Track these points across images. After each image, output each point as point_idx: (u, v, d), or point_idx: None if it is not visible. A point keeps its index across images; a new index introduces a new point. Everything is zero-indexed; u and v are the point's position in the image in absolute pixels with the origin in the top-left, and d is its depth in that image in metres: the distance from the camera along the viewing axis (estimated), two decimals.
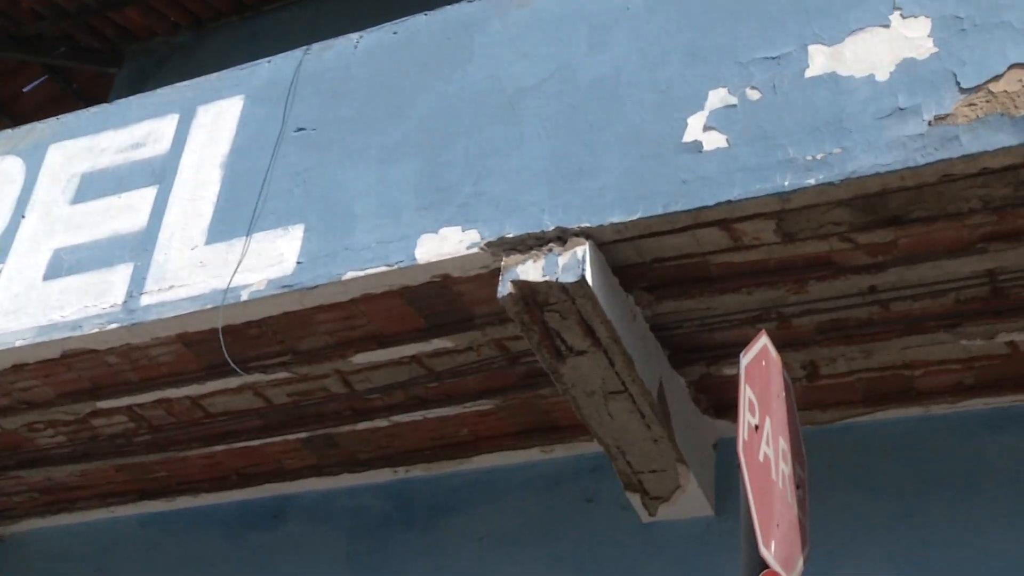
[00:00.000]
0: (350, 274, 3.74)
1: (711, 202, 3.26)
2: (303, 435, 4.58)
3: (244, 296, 3.89)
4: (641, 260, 3.56)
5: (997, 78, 2.99)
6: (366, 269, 3.72)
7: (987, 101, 2.99)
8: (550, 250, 3.44)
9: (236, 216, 4.10)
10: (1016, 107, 2.94)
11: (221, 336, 3.92)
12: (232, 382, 4.28)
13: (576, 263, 3.37)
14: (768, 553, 2.23)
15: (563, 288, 3.37)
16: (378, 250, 3.73)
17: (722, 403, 4.09)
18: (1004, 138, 2.93)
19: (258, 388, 4.34)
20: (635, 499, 4.02)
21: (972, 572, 3.62)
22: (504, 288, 3.44)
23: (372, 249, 3.74)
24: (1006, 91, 2.96)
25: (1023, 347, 3.69)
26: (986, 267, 3.42)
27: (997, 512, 3.68)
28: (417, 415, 4.43)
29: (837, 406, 4.02)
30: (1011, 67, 2.98)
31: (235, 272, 3.94)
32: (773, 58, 3.35)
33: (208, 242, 4.09)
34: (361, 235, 3.79)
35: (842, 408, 4.02)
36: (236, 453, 4.74)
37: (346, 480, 4.78)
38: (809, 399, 3.89)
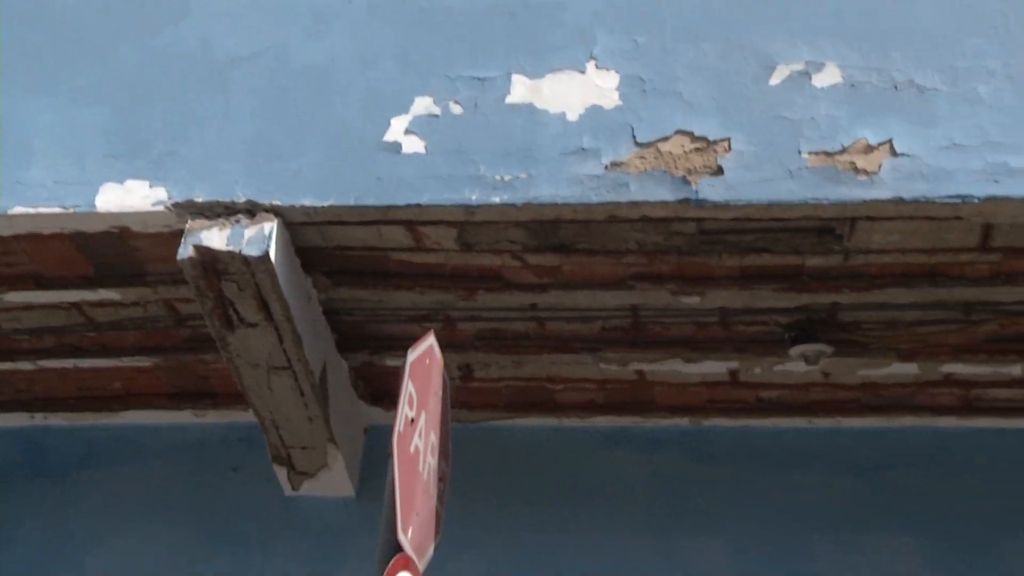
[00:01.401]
0: (18, 209, 3.56)
1: (401, 202, 3.39)
2: None
3: None
4: (325, 245, 3.65)
5: (665, 139, 3.33)
6: (38, 207, 3.55)
7: (655, 157, 3.33)
8: (238, 221, 3.45)
9: None
10: (676, 167, 3.31)
11: None
12: None
13: (262, 238, 3.41)
14: (405, 539, 2.40)
15: (245, 260, 3.39)
16: (55, 190, 3.57)
17: (379, 391, 4.28)
18: (664, 192, 3.29)
19: None
20: (281, 472, 4.11)
21: (580, 570, 4.03)
22: (185, 251, 3.41)
23: (48, 188, 3.57)
24: (671, 152, 3.32)
25: (648, 376, 4.15)
26: (631, 302, 3.81)
27: (612, 521, 4.13)
28: (67, 362, 4.27)
29: (485, 408, 4.33)
30: (676, 132, 3.34)
31: None
32: (479, 79, 3.53)
33: None
34: (37, 172, 3.60)
35: (489, 411, 4.34)
36: None
37: None
38: (461, 399, 4.16)
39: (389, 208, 3.42)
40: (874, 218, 3.26)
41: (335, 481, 4.13)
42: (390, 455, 2.45)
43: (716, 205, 3.26)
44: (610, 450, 4.32)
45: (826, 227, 3.36)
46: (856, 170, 3.18)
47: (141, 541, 4.27)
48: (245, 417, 4.23)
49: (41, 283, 3.87)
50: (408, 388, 2.58)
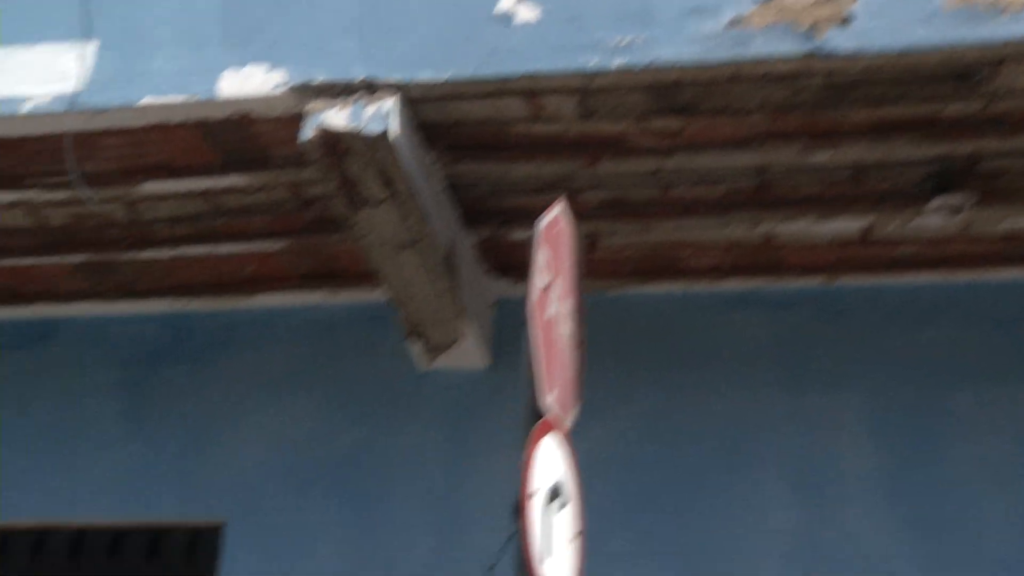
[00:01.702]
0: (146, 100, 3.63)
1: (517, 72, 3.37)
2: (80, 259, 4.47)
3: (25, 109, 3.70)
4: (445, 121, 3.64)
5: None
6: (164, 97, 3.62)
7: (778, 11, 3.22)
8: (357, 99, 3.47)
9: (21, 23, 3.86)
10: (800, 20, 3.18)
11: None
12: (6, 197, 4.11)
13: (382, 115, 3.42)
14: (549, 402, 2.45)
15: (367, 138, 3.41)
16: (178, 79, 3.63)
17: (505, 264, 4.30)
18: (788, 46, 3.18)
19: (35, 206, 4.18)
20: (415, 347, 4.21)
21: (710, 433, 4.06)
22: (307, 133, 3.45)
23: (172, 77, 3.64)
24: (794, 4, 3.21)
25: (776, 237, 4.08)
26: (758, 163, 3.73)
27: (741, 383, 4.12)
28: (202, 249, 4.40)
29: (610, 277, 4.32)
30: None
31: (15, 83, 3.74)
32: None
33: None
34: (161, 62, 3.67)
35: (615, 279, 4.33)
36: (4, 271, 4.57)
37: (123, 308, 4.73)
38: (586, 269, 4.16)
39: (507, 79, 3.39)
40: (1021, 59, 3.09)
41: (467, 354, 4.21)
42: (527, 322, 2.47)
43: (845, 57, 3.15)
44: (738, 313, 4.28)
45: (965, 72, 3.20)
46: (998, 7, 3.00)
47: (281, 417, 4.45)
48: (374, 296, 4.34)
49: (172, 172, 3.97)
50: (540, 256, 2.60)
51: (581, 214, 3.93)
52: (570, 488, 2.53)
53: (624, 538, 3.84)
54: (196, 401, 4.58)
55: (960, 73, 3.21)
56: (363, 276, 4.27)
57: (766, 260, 4.20)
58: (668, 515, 3.95)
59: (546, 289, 2.60)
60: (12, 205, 4.18)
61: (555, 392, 2.51)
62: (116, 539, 4.38)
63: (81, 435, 4.57)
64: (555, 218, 2.80)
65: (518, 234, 4.06)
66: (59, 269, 4.57)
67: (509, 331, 4.20)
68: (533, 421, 2.40)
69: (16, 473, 4.48)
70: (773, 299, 4.28)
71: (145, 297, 4.68)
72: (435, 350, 4.18)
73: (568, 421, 2.65)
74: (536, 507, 2.27)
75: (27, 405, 4.64)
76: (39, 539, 4.44)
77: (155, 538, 4.35)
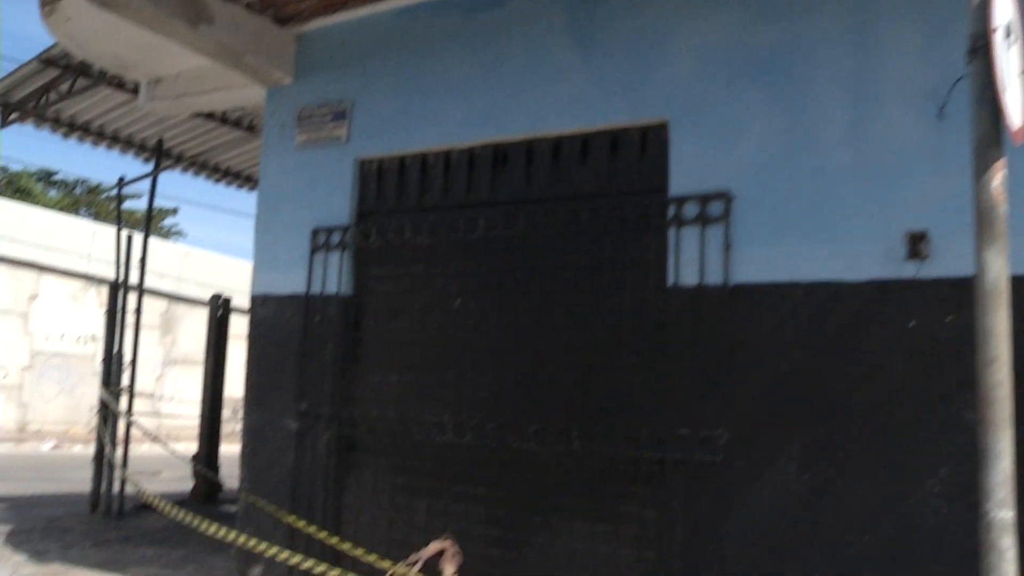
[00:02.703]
0: None
1: None
2: None
3: None
4: None
5: None
6: None
7: None
8: None
9: None
10: None
11: None
12: None
13: None
14: None
15: None
16: None
17: None
18: None
19: None
20: None
21: None
22: None
23: None
24: None
25: None
26: None
27: None
28: None
29: None
30: None
31: None
32: None
33: None
34: None
35: None
36: None
37: None
38: None
39: None
40: None
41: None
42: None
43: None
44: None
45: None
46: None
47: (711, 24, 5.13)
48: None
49: None
50: None
51: None
52: (1018, 28, 3.07)
53: None
54: (635, 19, 5.33)
55: None
56: None
57: None
58: None
59: None
60: None
61: None
62: (584, 143, 5.43)
63: (543, 62, 5.56)
64: None
65: None
66: None
67: None
68: None
69: (506, 97, 5.63)
70: None
71: None
72: None
73: None
74: (998, 41, 2.85)
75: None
76: (529, 149, 5.60)
77: (614, 139, 5.34)
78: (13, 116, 9.69)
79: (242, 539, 5.49)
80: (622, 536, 5.02)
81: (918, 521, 4.26)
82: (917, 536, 4.25)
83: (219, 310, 11.98)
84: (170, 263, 22.06)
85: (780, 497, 4.57)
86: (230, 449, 12.62)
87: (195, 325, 23.73)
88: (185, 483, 11.95)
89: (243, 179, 11.87)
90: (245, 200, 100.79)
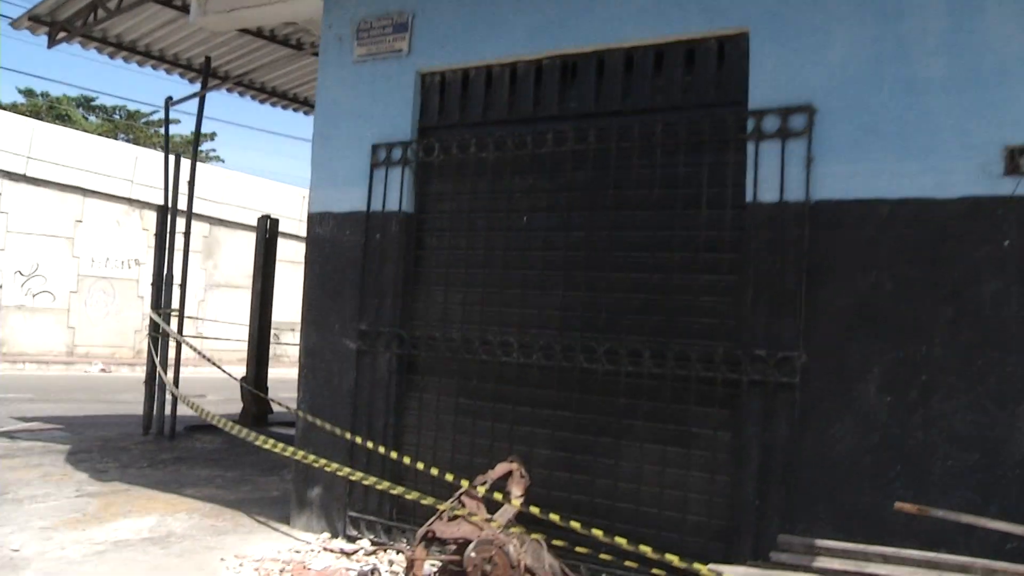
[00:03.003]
0: None
1: None
2: None
3: None
4: None
5: None
6: None
7: None
8: None
9: None
10: None
11: None
12: None
13: None
14: None
15: None
16: None
17: None
18: None
19: None
20: None
21: None
22: None
23: None
24: None
25: None
26: None
27: None
28: None
29: None
30: None
31: None
32: None
33: None
34: None
35: None
36: None
37: None
38: None
39: None
40: None
41: None
42: None
43: None
44: None
45: None
46: None
47: None
48: None
49: None
50: None
51: None
52: None
53: None
54: None
55: None
56: None
57: None
58: None
59: None
60: None
61: None
62: (659, 54, 5.22)
63: None
64: None
65: None
66: None
67: None
68: None
69: (575, 6, 5.42)
70: None
71: None
72: None
73: None
74: None
75: None
76: (600, 61, 5.39)
77: (690, 50, 5.12)
78: (61, 35, 9.53)
79: (310, 458, 5.44)
80: (693, 460, 4.92)
81: (1006, 448, 4.11)
82: (1004, 464, 4.11)
83: (267, 232, 11.92)
84: (211, 187, 22.01)
85: (859, 420, 4.44)
86: (274, 373, 12.68)
87: (236, 249, 23.81)
88: (231, 405, 12.02)
89: (289, 99, 11.70)
90: (284, 122, 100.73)
